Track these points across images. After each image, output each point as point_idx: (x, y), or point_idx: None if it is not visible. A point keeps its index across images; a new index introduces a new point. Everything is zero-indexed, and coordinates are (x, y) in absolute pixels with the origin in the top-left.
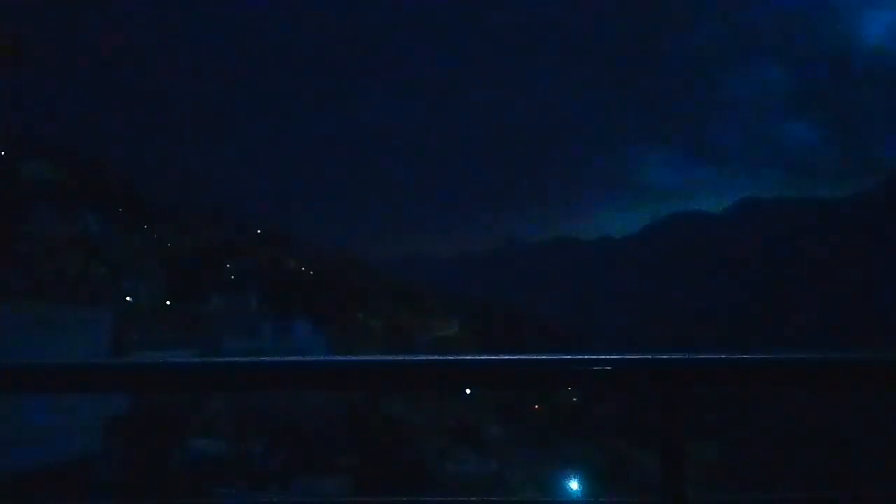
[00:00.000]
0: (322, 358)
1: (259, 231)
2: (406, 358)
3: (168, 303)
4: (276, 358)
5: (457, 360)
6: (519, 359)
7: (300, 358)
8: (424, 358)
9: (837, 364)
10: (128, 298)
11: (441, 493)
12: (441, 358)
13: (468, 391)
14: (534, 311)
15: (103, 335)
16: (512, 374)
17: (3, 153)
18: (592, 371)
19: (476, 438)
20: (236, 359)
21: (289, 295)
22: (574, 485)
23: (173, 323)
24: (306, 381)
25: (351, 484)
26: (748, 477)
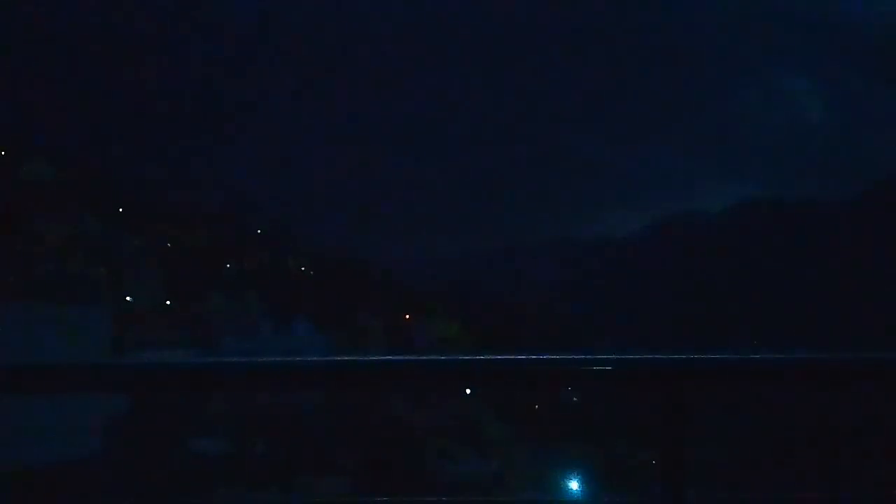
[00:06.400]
0: (322, 358)
1: (259, 231)
2: (406, 358)
3: (168, 303)
4: (276, 358)
5: (457, 360)
6: (519, 359)
7: (300, 358)
8: (424, 358)
9: (837, 364)
10: (128, 298)
11: (441, 493)
12: (441, 358)
13: (468, 391)
14: (534, 311)
15: (103, 335)
16: (512, 374)
17: (3, 153)
18: (592, 371)
19: (476, 438)
20: (236, 359)
21: (289, 295)
22: (574, 485)
23: (173, 323)
24: (306, 381)
25: (351, 484)
26: (748, 477)
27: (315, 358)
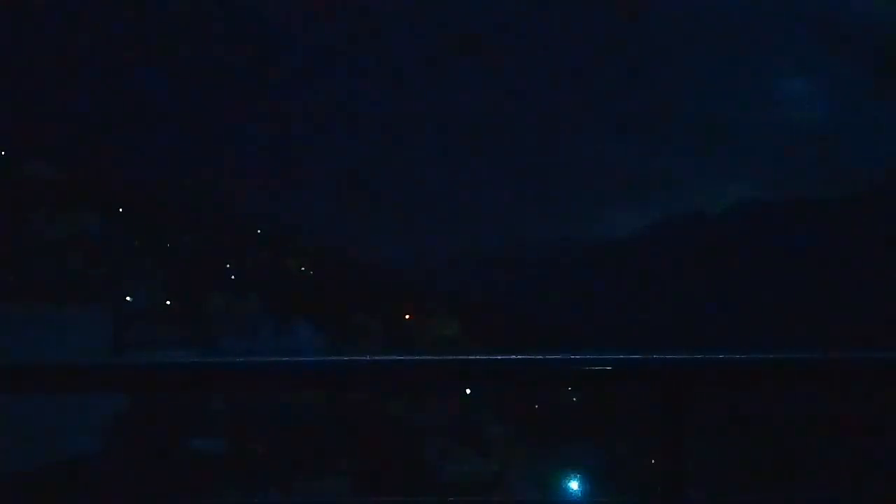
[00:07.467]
0: (322, 358)
1: (259, 231)
2: (406, 358)
3: (168, 303)
4: (276, 358)
5: (457, 360)
6: (519, 359)
7: (300, 358)
8: (424, 358)
9: (837, 364)
10: (128, 298)
11: (441, 493)
12: (441, 358)
13: (468, 391)
14: (534, 311)
15: (103, 335)
16: (512, 374)
17: (3, 153)
18: (592, 371)
19: (476, 438)
20: (236, 359)
21: (289, 295)
22: (574, 485)
23: (173, 323)
24: (306, 381)
25: (351, 484)
26: (748, 477)
27: (315, 358)
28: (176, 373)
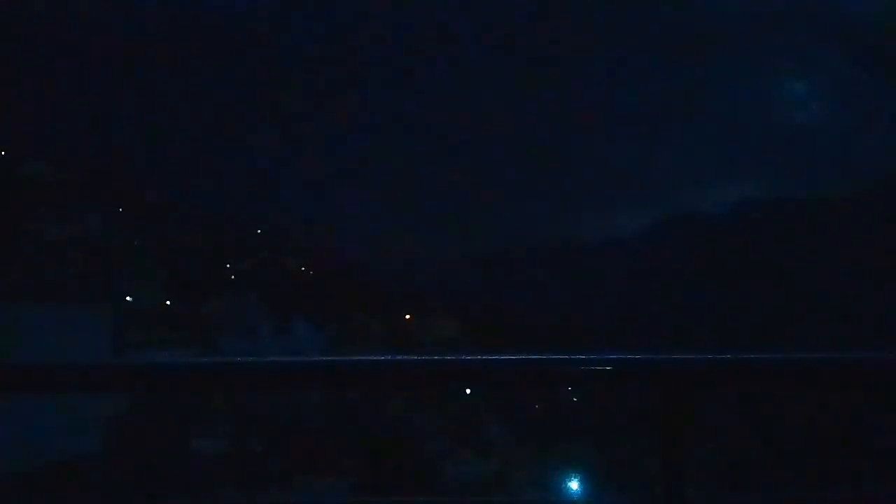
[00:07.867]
0: (322, 358)
1: (259, 231)
2: (406, 358)
3: (168, 303)
4: (276, 358)
5: (457, 360)
6: (519, 359)
7: (300, 358)
8: (424, 358)
9: (837, 364)
10: (128, 298)
11: (441, 493)
12: (441, 358)
13: (468, 391)
14: (534, 311)
15: (103, 335)
16: (512, 374)
17: (3, 153)
18: (592, 371)
19: (476, 438)
20: (236, 359)
21: (289, 295)
22: (574, 485)
23: (173, 323)
24: (306, 381)
25: (351, 484)
26: (748, 477)
27: (315, 358)
28: (176, 373)
